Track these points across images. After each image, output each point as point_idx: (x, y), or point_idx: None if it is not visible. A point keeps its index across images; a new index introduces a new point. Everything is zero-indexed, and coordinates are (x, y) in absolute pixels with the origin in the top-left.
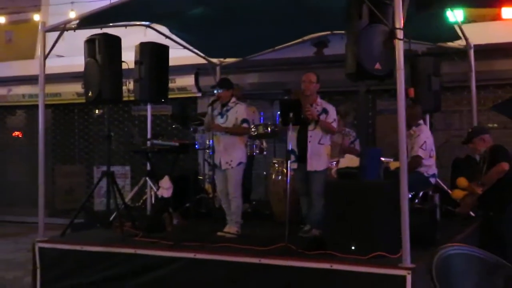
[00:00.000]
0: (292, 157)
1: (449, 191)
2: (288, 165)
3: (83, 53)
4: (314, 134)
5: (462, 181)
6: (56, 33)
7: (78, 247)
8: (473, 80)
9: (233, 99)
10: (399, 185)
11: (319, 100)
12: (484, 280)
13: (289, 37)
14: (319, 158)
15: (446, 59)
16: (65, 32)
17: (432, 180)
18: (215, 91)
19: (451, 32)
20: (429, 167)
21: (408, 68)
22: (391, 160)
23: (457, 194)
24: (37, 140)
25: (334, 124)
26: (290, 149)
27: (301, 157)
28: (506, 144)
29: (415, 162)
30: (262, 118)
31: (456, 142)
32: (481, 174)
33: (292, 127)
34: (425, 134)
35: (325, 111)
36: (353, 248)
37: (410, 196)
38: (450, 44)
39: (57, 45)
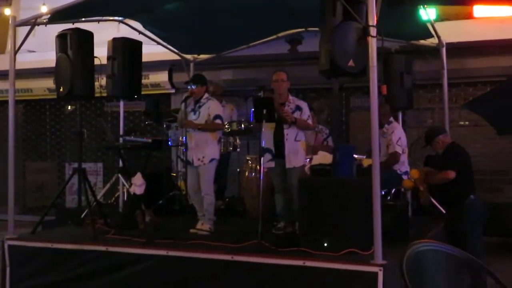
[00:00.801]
0: (269, 156)
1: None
2: (261, 162)
3: (54, 48)
4: (290, 132)
5: (413, 172)
6: (27, 28)
7: (49, 245)
8: (445, 78)
9: (206, 95)
10: (372, 182)
11: (290, 97)
12: (454, 275)
13: (264, 33)
14: (296, 154)
15: (418, 57)
16: (37, 27)
17: (405, 177)
18: (189, 87)
19: (424, 30)
20: (402, 164)
21: (380, 66)
22: (364, 157)
23: (407, 184)
24: (8, 136)
25: (310, 121)
26: (265, 147)
27: (278, 155)
28: (476, 141)
29: (393, 158)
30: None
31: None
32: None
33: (265, 124)
34: (398, 130)
35: (298, 108)
36: (325, 244)
37: (382, 193)
38: (422, 42)
39: (28, 40)
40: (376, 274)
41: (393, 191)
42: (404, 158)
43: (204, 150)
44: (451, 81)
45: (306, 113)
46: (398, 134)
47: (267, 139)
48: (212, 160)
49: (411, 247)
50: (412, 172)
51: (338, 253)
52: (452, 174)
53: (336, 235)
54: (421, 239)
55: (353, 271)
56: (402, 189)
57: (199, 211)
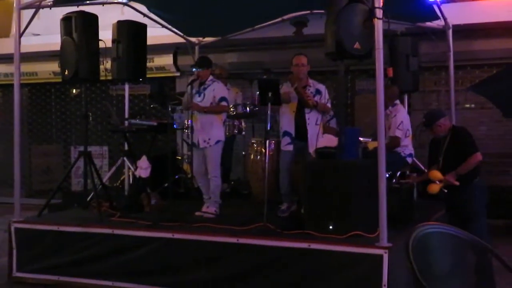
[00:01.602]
0: (288, 139)
1: (426, 171)
2: (267, 145)
3: (59, 31)
4: (311, 116)
5: (435, 174)
6: (32, 11)
7: (55, 228)
8: (451, 60)
9: (211, 77)
10: (377, 164)
11: (310, 81)
12: (460, 257)
13: (269, 16)
14: (317, 138)
15: (424, 39)
16: (41, 10)
17: (409, 159)
18: (194, 70)
19: (430, 12)
20: (406, 146)
21: (386, 48)
22: (369, 140)
23: (434, 188)
24: (13, 120)
25: (329, 104)
26: (284, 130)
27: (299, 138)
28: (482, 124)
29: (393, 142)
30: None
31: None
32: (441, 155)
33: (286, 106)
34: (401, 114)
35: (318, 91)
36: (330, 227)
37: (387, 175)
38: (428, 24)
39: (33, 23)
40: (381, 256)
41: (398, 173)
42: (407, 141)
43: (209, 132)
44: (457, 64)
45: (325, 96)
46: (400, 117)
47: (287, 122)
48: (218, 141)
49: (417, 229)
50: (433, 173)
51: (343, 236)
52: (480, 156)
53: (341, 218)
54: (427, 221)
55: (358, 253)
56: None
57: (205, 194)
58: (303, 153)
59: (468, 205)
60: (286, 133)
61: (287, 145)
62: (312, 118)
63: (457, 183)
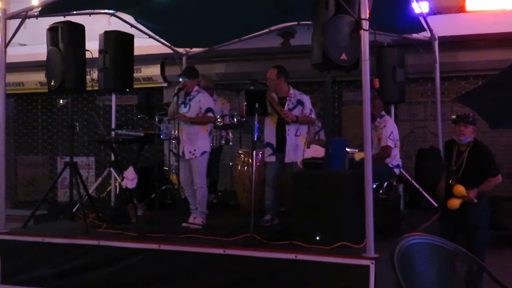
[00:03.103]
0: (270, 150)
1: (413, 181)
2: (254, 156)
3: (46, 41)
4: (291, 127)
5: (461, 189)
6: (18, 21)
7: (40, 239)
8: (437, 72)
9: (196, 88)
10: (364, 175)
11: (291, 91)
12: (446, 268)
13: (256, 27)
14: (296, 149)
15: (411, 50)
16: (28, 20)
17: (397, 170)
18: (181, 79)
19: (416, 24)
20: (394, 157)
21: (373, 59)
22: (356, 150)
23: (454, 203)
24: None
25: (312, 115)
26: (266, 142)
27: (279, 149)
28: None
29: (384, 152)
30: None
31: (421, 132)
32: (457, 165)
33: (268, 119)
34: (390, 124)
35: (300, 102)
36: (317, 238)
37: (374, 186)
38: (415, 35)
39: (19, 33)
40: (368, 267)
41: (385, 184)
42: (396, 151)
43: (195, 143)
44: (444, 75)
45: (308, 107)
46: (390, 128)
47: (269, 134)
48: (203, 153)
49: (402, 240)
50: (458, 188)
51: (330, 247)
52: (501, 178)
53: (328, 229)
54: (413, 232)
55: (345, 264)
56: (394, 183)
57: (191, 204)
58: (285, 164)
59: (478, 218)
60: (268, 144)
61: (269, 156)
62: (291, 129)
63: (476, 200)
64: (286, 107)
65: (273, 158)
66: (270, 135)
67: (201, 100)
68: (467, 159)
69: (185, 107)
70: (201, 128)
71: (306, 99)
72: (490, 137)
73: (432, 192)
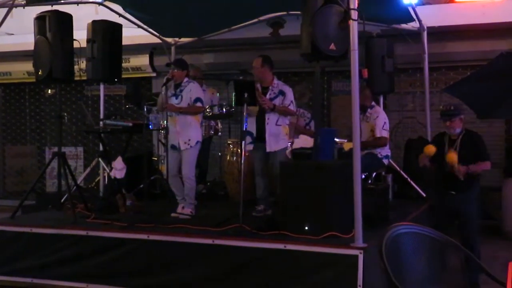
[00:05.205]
0: (249, 139)
1: (402, 172)
2: (243, 146)
3: (33, 30)
4: (271, 117)
5: (453, 156)
6: (5, 10)
7: (28, 229)
8: (426, 62)
9: (186, 79)
10: (353, 165)
11: (275, 81)
12: (434, 257)
13: (245, 17)
14: (277, 138)
15: (399, 41)
16: (15, 9)
17: (385, 161)
18: (170, 68)
19: (405, 14)
20: (383, 148)
21: (362, 49)
22: (345, 141)
23: (453, 156)
24: None
25: (291, 107)
26: (245, 130)
27: (260, 138)
28: None
29: (380, 141)
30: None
31: (409, 123)
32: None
33: (250, 108)
34: (382, 115)
35: (281, 93)
36: (306, 228)
37: (363, 176)
38: (404, 26)
39: (6, 22)
40: (356, 257)
41: (373, 174)
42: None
43: (189, 133)
44: (432, 65)
45: (289, 99)
46: (382, 118)
47: (250, 122)
48: (197, 142)
49: (389, 230)
50: (450, 155)
51: (318, 237)
52: (489, 165)
53: (316, 219)
54: (401, 222)
55: (333, 254)
56: (383, 173)
57: (178, 195)
58: (264, 154)
59: (470, 205)
60: (248, 133)
61: (248, 145)
62: (272, 118)
63: (462, 178)
64: (267, 96)
65: (251, 147)
66: (250, 124)
67: (192, 90)
68: (460, 145)
69: (176, 98)
70: (193, 119)
71: (288, 91)
72: (478, 128)
73: (420, 181)
